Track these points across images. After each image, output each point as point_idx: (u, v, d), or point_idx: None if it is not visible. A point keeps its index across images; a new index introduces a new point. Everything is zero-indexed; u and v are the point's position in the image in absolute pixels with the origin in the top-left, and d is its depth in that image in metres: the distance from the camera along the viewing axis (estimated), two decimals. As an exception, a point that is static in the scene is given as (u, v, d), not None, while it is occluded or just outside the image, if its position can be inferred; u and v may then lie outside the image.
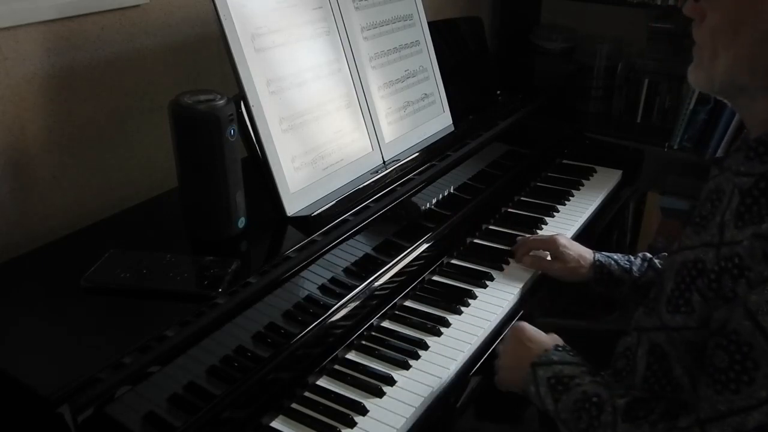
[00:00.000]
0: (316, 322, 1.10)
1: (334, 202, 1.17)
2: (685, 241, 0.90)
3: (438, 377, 1.10)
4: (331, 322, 1.13)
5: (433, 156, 1.41)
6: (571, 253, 1.31)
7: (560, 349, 1.03)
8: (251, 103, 1.08)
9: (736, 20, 0.79)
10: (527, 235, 1.45)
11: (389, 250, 1.28)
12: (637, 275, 1.25)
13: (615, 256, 1.28)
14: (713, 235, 0.82)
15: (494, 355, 1.16)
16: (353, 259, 1.19)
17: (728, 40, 0.80)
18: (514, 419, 1.40)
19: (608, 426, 0.87)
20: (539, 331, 1.09)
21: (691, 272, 0.84)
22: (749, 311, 0.72)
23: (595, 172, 1.87)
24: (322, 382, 1.09)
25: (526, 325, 1.11)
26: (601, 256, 1.28)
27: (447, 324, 1.22)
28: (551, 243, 1.35)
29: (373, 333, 1.20)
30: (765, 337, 0.71)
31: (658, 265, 1.24)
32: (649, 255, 1.27)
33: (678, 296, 0.86)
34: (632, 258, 1.27)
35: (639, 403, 0.87)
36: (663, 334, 0.88)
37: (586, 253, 1.30)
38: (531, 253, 1.38)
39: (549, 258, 1.36)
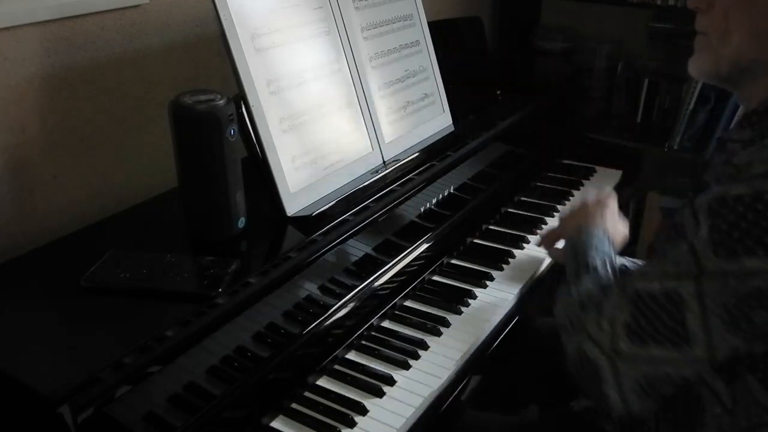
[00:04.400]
0: (316, 322, 1.10)
1: (334, 202, 1.17)
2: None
3: (438, 377, 1.10)
4: (331, 322, 1.13)
5: (433, 156, 1.41)
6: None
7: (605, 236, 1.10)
8: (251, 103, 1.08)
9: None
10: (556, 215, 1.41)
11: (389, 250, 1.29)
12: None
13: (626, 262, 1.22)
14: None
15: (494, 356, 1.16)
16: (353, 259, 1.20)
17: (744, 15, 0.83)
18: (513, 414, 1.39)
19: (580, 283, 0.98)
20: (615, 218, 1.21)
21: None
22: (694, 210, 0.79)
23: (595, 172, 1.87)
24: (322, 382, 1.09)
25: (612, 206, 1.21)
26: (624, 261, 1.22)
27: (447, 324, 1.22)
28: (607, 195, 1.29)
29: (373, 333, 1.20)
30: (695, 230, 0.78)
31: None
32: None
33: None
34: None
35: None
36: None
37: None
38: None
39: None
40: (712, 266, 0.76)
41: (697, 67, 0.90)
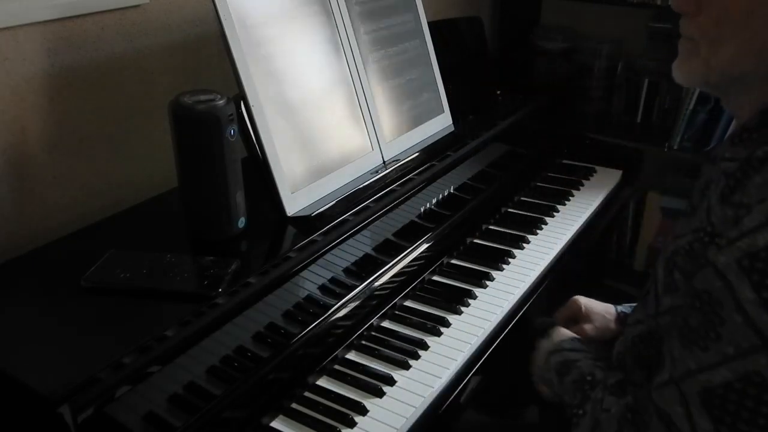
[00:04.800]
0: (316, 322, 1.10)
1: (334, 202, 1.17)
2: (677, 229, 0.90)
3: (438, 377, 1.10)
4: (331, 322, 1.13)
5: (433, 156, 1.41)
6: (595, 311, 1.22)
7: (575, 340, 1.07)
8: (251, 103, 1.08)
9: (751, 3, 0.74)
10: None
11: (389, 250, 1.29)
12: None
13: (632, 305, 1.20)
14: (702, 219, 0.82)
15: (494, 356, 1.16)
16: (353, 259, 1.20)
17: (739, 25, 0.75)
18: (514, 417, 1.40)
19: (597, 401, 0.89)
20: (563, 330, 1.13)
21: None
22: (719, 272, 0.72)
23: (595, 172, 1.87)
24: (322, 382, 1.09)
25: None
26: (623, 308, 1.22)
27: (447, 324, 1.22)
28: (573, 305, 1.25)
29: (373, 333, 1.20)
30: (732, 294, 0.70)
31: None
32: None
33: (670, 281, 0.86)
34: None
35: (628, 382, 0.90)
36: (654, 321, 0.89)
37: (610, 308, 1.23)
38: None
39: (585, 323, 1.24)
40: None
41: (683, 73, 0.84)
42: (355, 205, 1.20)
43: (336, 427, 0.99)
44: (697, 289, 0.75)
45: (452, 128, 1.52)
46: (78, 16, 1.17)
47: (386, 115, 1.36)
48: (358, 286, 1.19)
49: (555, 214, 1.63)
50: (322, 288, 1.13)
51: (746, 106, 0.82)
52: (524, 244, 1.49)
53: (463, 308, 1.26)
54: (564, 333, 1.11)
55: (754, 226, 0.69)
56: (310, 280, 1.11)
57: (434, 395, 1.08)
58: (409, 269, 1.32)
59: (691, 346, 0.75)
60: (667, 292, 0.86)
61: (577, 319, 1.24)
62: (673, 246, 0.87)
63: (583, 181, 1.81)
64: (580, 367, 0.97)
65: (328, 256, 1.13)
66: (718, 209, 0.78)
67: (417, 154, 1.37)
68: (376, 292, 1.23)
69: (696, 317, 0.75)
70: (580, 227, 1.60)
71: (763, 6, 0.74)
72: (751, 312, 0.68)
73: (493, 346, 1.21)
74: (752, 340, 0.68)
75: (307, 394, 1.06)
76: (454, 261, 1.43)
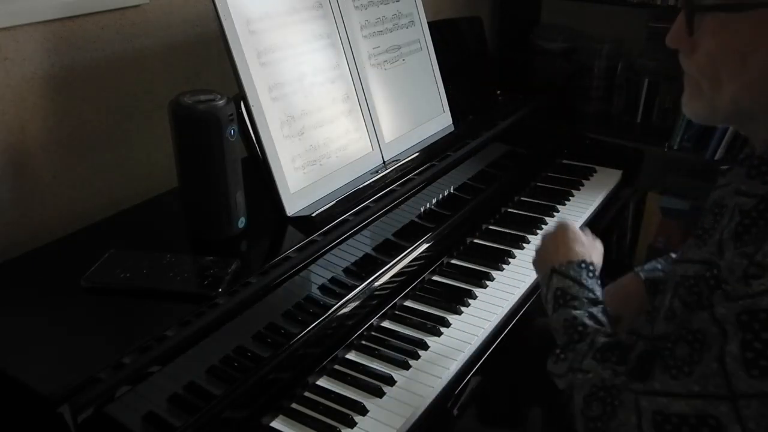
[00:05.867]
0: (316, 322, 1.10)
1: (334, 202, 1.17)
2: (687, 252, 0.88)
3: (438, 377, 1.10)
4: (331, 322, 1.13)
5: (433, 156, 1.41)
6: (617, 297, 1.18)
7: (583, 266, 1.02)
8: (251, 103, 1.08)
9: (744, 48, 0.74)
10: None
11: (389, 250, 1.29)
12: None
13: (658, 265, 1.19)
14: (713, 253, 0.81)
15: (495, 356, 1.16)
16: (353, 259, 1.20)
17: (734, 69, 0.76)
18: (516, 423, 1.39)
19: (579, 354, 0.90)
20: (581, 238, 1.10)
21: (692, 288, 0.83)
22: (717, 320, 0.73)
23: (595, 172, 1.87)
24: (322, 382, 1.09)
25: (571, 228, 1.12)
26: (645, 273, 1.19)
27: (447, 324, 1.22)
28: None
29: (373, 333, 1.20)
30: (721, 343, 0.71)
31: None
32: None
33: (669, 308, 0.85)
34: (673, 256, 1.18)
35: (617, 347, 0.89)
36: (651, 344, 0.88)
37: (633, 278, 1.21)
38: None
39: None
40: (746, 387, 0.69)
41: (691, 111, 0.84)
42: (355, 205, 1.20)
43: (336, 427, 0.99)
44: (693, 327, 0.76)
45: (452, 128, 1.52)
46: (78, 16, 1.17)
47: (386, 115, 1.36)
48: (358, 286, 1.20)
49: (555, 214, 1.63)
50: (322, 288, 1.13)
51: (760, 133, 0.81)
52: (524, 244, 1.49)
53: (463, 308, 1.26)
54: (577, 252, 1.05)
55: (762, 290, 0.69)
56: (310, 280, 1.11)
57: (434, 395, 1.08)
58: (409, 269, 1.32)
59: (664, 369, 0.77)
60: (667, 319, 0.85)
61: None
62: (682, 270, 0.86)
63: (583, 181, 1.81)
64: (576, 307, 0.96)
65: (328, 256, 1.13)
66: (729, 253, 0.77)
67: (417, 154, 1.37)
68: (376, 292, 1.23)
69: (683, 349, 0.76)
70: (580, 227, 1.60)
71: (759, 48, 0.73)
72: (729, 366, 0.70)
73: (494, 346, 1.21)
74: (720, 390, 0.70)
75: (307, 394, 1.06)
76: (454, 261, 1.43)
